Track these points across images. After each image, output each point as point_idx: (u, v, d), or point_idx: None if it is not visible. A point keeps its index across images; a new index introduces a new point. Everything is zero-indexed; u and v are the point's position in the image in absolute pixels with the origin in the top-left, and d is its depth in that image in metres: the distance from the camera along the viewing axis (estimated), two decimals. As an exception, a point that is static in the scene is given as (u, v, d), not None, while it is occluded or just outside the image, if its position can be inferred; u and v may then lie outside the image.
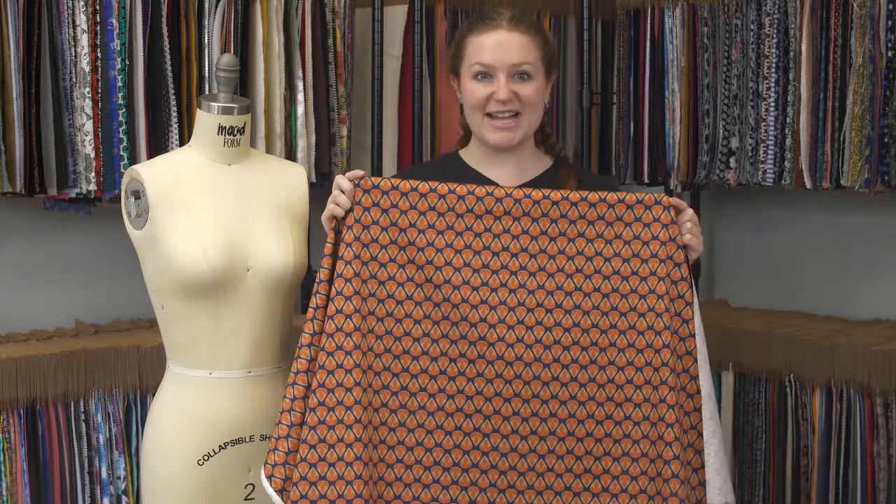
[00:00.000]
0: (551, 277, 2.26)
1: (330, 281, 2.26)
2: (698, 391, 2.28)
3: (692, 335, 2.28)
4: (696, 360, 2.28)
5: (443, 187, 2.26)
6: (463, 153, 2.47)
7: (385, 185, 2.26)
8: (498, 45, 2.33)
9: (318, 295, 2.27)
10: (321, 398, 2.23)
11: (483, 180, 2.39)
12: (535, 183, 2.41)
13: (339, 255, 2.26)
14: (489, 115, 2.34)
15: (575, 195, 2.26)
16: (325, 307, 2.26)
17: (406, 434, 2.27)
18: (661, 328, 2.25)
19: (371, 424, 2.25)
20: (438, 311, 2.26)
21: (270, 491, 2.25)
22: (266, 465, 2.27)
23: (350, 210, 2.27)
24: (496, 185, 2.39)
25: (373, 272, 2.26)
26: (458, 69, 2.40)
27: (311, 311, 2.28)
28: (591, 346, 2.26)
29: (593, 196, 2.26)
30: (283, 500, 2.24)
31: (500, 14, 2.37)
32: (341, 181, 2.28)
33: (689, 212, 2.30)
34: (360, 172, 2.29)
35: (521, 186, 2.40)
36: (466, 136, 2.48)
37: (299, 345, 2.28)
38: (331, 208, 2.29)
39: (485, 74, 2.34)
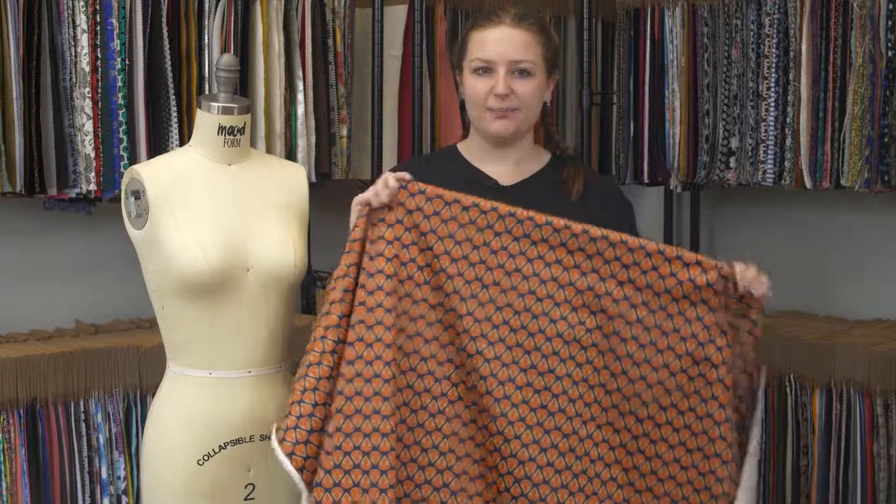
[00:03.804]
0: (575, 311, 2.23)
1: (353, 274, 2.23)
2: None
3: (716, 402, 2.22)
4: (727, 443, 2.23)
5: (485, 203, 2.24)
6: (461, 147, 2.47)
7: (431, 192, 2.25)
8: (499, 41, 2.34)
9: (345, 278, 2.23)
10: (358, 406, 2.20)
11: (480, 175, 2.40)
12: (532, 179, 2.42)
13: (380, 251, 2.23)
14: (489, 109, 2.35)
15: (635, 242, 2.21)
16: (352, 293, 2.23)
17: (424, 435, 2.26)
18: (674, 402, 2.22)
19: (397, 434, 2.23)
20: (461, 323, 2.25)
21: (289, 468, 2.20)
22: (285, 442, 2.21)
23: (392, 209, 2.24)
24: (494, 181, 2.39)
25: (410, 273, 2.25)
26: (460, 64, 2.41)
27: (334, 294, 2.23)
28: (598, 386, 2.24)
29: (645, 248, 2.22)
30: (302, 478, 2.20)
31: (506, 11, 2.39)
32: (389, 179, 2.25)
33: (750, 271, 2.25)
34: (407, 175, 2.27)
35: (518, 183, 2.40)
36: (467, 131, 2.49)
37: (325, 325, 2.22)
38: (369, 196, 2.25)
39: (485, 69, 2.35)
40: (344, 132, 3.39)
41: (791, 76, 3.35)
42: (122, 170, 2.97)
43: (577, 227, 2.23)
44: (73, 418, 2.92)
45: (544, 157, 2.47)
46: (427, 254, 2.24)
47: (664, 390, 2.22)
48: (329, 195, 3.65)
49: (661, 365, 2.22)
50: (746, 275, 2.24)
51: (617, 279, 2.22)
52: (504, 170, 2.41)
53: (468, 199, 2.25)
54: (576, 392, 2.24)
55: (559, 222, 2.23)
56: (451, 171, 2.41)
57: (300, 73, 3.26)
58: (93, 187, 2.97)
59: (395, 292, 2.23)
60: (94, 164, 2.96)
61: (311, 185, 2.74)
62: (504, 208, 2.24)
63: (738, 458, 2.25)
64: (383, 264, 2.23)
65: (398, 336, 2.23)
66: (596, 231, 2.22)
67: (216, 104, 2.50)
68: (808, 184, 3.31)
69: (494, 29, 2.36)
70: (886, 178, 3.11)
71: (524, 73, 2.35)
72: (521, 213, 2.24)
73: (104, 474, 2.96)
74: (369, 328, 2.21)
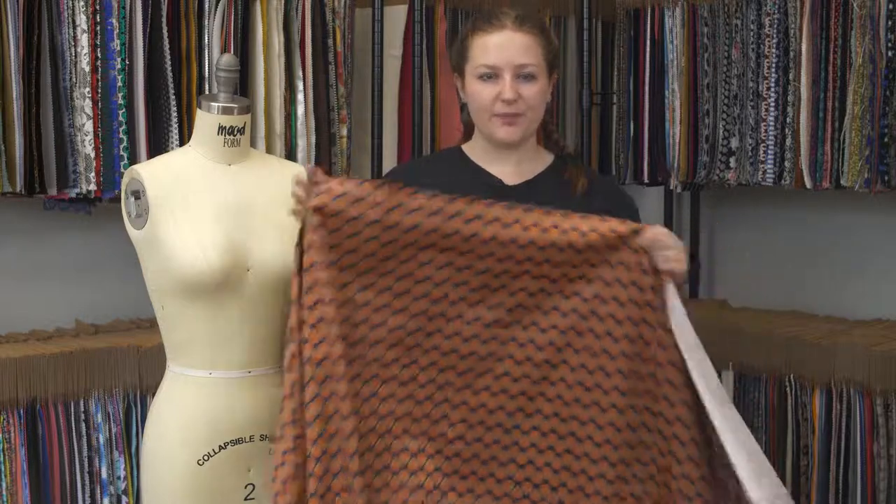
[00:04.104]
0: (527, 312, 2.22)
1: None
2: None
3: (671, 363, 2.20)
4: (672, 384, 2.19)
5: (410, 219, 2.16)
6: (465, 148, 2.47)
7: (335, 205, 2.15)
8: (502, 46, 2.33)
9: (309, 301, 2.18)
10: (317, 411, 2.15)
11: (485, 175, 2.40)
12: (536, 180, 2.42)
13: (314, 262, 2.18)
14: (496, 115, 2.35)
15: (543, 240, 2.18)
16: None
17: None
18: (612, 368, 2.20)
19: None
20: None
21: None
22: (275, 481, 2.15)
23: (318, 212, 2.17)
24: (500, 180, 2.40)
25: (348, 296, 2.18)
26: (462, 68, 2.40)
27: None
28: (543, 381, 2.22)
29: (561, 240, 2.18)
30: None
31: (506, 14, 2.37)
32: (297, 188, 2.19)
33: (658, 234, 2.19)
34: (320, 176, 2.18)
35: (522, 183, 2.41)
36: (468, 133, 2.49)
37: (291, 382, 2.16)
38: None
39: (490, 75, 2.34)
40: (344, 132, 3.39)
41: (791, 76, 3.35)
42: (122, 170, 2.97)
43: (504, 234, 2.17)
44: (73, 418, 2.92)
45: (547, 158, 2.48)
46: (333, 269, 2.18)
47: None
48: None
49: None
50: (657, 245, 2.18)
51: (549, 277, 2.19)
52: (509, 170, 2.41)
53: (375, 212, 2.15)
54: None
55: (492, 230, 2.17)
56: (456, 172, 2.42)
57: (300, 73, 3.26)
58: (93, 187, 2.97)
59: (332, 319, 2.16)
60: (94, 164, 2.96)
61: (311, 185, 2.74)
62: (427, 224, 2.16)
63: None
64: (317, 274, 2.17)
65: (344, 363, 2.17)
66: (530, 250, 2.17)
67: (216, 104, 2.50)
68: (808, 184, 3.31)
69: (497, 34, 2.34)
70: (886, 178, 3.11)
71: (529, 76, 2.34)
72: (444, 226, 2.17)
73: (104, 474, 2.96)
74: (317, 365, 2.14)
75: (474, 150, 2.45)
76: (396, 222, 2.16)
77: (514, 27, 2.34)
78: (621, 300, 2.19)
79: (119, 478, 2.97)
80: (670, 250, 2.19)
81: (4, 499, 2.83)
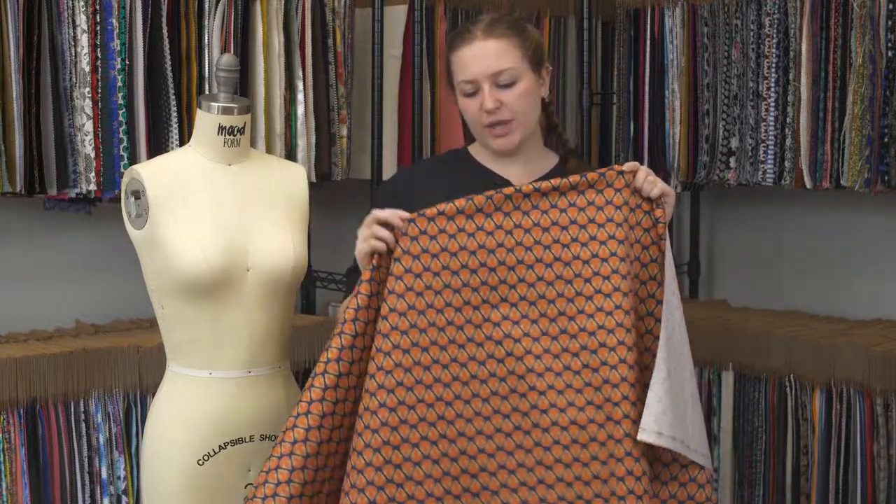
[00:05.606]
0: (530, 269, 2.23)
1: (363, 318, 2.18)
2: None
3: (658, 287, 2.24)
4: (659, 303, 2.23)
5: (479, 198, 2.22)
6: (472, 149, 2.48)
7: (430, 212, 2.19)
8: (476, 58, 2.33)
9: (343, 335, 2.17)
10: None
11: (494, 177, 2.41)
12: (543, 179, 2.42)
13: (391, 288, 2.16)
14: (486, 126, 2.35)
15: (546, 185, 2.24)
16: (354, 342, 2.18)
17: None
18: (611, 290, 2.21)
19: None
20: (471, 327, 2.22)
21: None
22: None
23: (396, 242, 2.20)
24: (507, 182, 2.39)
25: (429, 301, 2.18)
26: (452, 87, 2.42)
27: (337, 341, 2.17)
28: (559, 315, 2.22)
29: (563, 184, 2.24)
30: None
31: (476, 23, 2.37)
32: (390, 217, 2.19)
33: (642, 169, 2.26)
34: (405, 214, 2.20)
35: (530, 184, 2.41)
36: (469, 141, 2.50)
37: (320, 373, 2.16)
38: (373, 244, 2.19)
39: (471, 90, 2.35)
40: (344, 132, 3.39)
41: (791, 76, 3.35)
42: (122, 170, 2.97)
43: (527, 187, 2.23)
44: (73, 418, 2.92)
45: (553, 159, 2.48)
46: (445, 273, 2.19)
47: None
48: (329, 195, 3.66)
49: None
50: (640, 176, 2.24)
51: (560, 224, 2.23)
52: (515, 170, 2.42)
53: (469, 206, 2.21)
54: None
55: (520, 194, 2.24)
56: (464, 173, 2.43)
57: (300, 73, 3.27)
58: (93, 187, 2.97)
59: (414, 327, 2.17)
60: (94, 164, 2.96)
61: (311, 185, 2.74)
62: (492, 195, 2.23)
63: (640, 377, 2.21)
64: (395, 301, 2.17)
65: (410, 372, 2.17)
66: (528, 186, 2.24)
67: (216, 104, 2.50)
68: (808, 184, 3.31)
69: (468, 47, 2.34)
70: (886, 178, 3.11)
71: (507, 82, 2.34)
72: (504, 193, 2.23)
73: (104, 474, 2.96)
74: (387, 373, 2.15)
75: (480, 153, 2.46)
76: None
77: (483, 36, 2.34)
78: (617, 220, 2.23)
79: (119, 478, 2.97)
80: (652, 176, 2.25)
81: (4, 499, 2.83)
